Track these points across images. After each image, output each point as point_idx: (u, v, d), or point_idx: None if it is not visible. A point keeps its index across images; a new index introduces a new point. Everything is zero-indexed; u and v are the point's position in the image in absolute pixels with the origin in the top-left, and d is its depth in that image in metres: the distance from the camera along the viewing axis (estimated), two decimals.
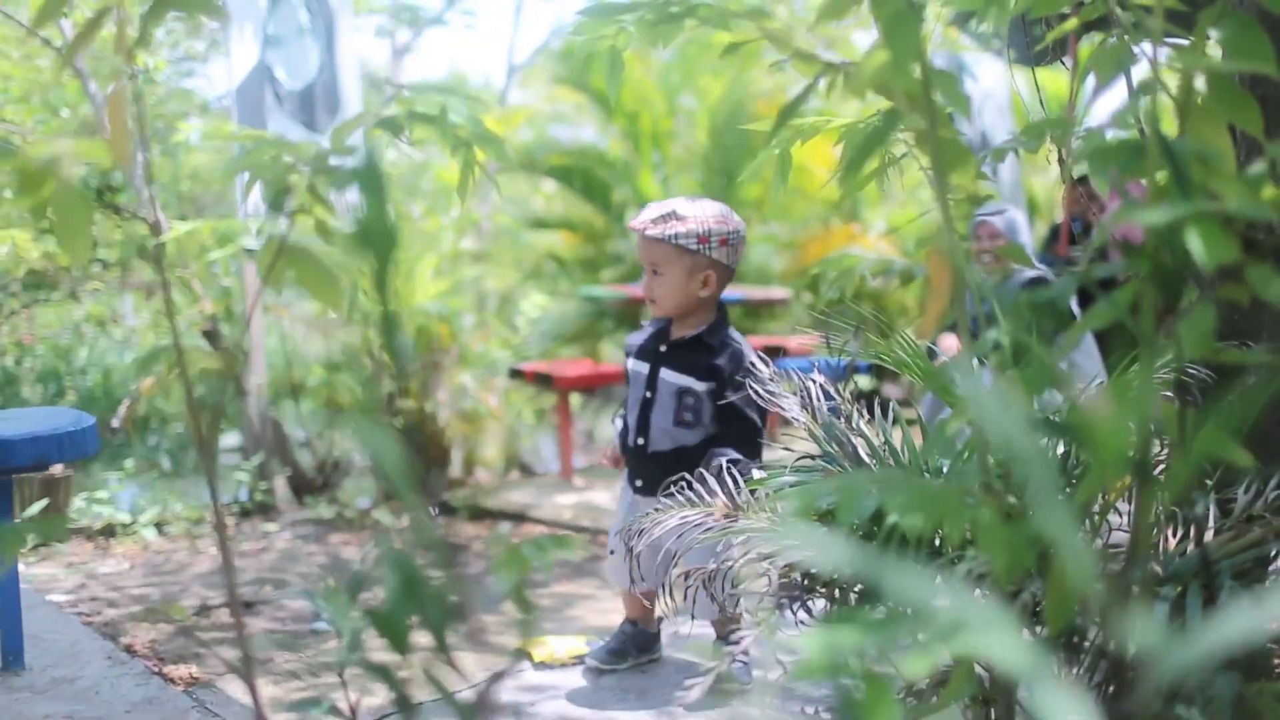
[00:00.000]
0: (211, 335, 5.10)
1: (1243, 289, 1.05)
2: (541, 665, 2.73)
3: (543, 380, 5.33)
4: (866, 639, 0.79)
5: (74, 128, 5.77)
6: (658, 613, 2.72)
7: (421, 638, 0.96)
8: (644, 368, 2.70)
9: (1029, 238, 4.59)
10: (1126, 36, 1.23)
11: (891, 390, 6.00)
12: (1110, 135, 1.63)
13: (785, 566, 1.70)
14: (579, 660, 2.75)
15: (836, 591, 1.65)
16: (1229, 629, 0.65)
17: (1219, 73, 1.19)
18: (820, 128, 1.91)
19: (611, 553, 2.75)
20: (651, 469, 2.60)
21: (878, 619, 0.82)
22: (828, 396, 2.03)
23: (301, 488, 5.22)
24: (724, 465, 2.35)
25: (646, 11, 1.69)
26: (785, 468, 1.99)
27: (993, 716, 1.39)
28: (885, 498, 1.07)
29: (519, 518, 4.62)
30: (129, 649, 2.88)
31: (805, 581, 1.68)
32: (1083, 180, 4.23)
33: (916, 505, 1.07)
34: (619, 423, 2.83)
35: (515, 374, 5.44)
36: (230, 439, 7.24)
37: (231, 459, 6.93)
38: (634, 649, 2.75)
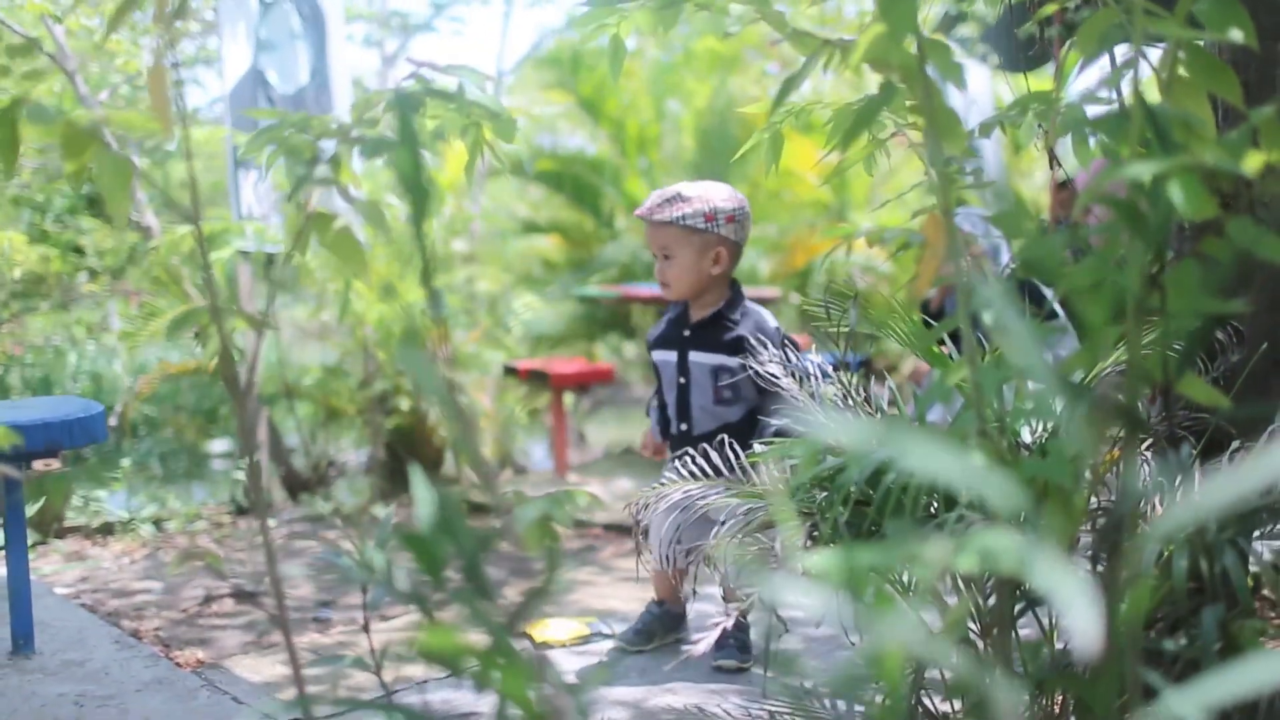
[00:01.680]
0: (202, 336, 5.15)
1: (1224, 244, 1.11)
2: (542, 646, 2.78)
3: (537, 378, 5.39)
4: (878, 556, 0.85)
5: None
6: (683, 593, 2.78)
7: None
8: (671, 355, 2.74)
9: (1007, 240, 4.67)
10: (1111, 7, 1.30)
11: (879, 390, 6.05)
12: (1090, 109, 1.70)
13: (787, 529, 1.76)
14: (582, 641, 2.80)
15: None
16: (1222, 486, 0.71)
17: (1199, 45, 1.26)
18: (812, 109, 1.97)
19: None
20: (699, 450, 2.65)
21: (887, 542, 0.88)
22: (824, 377, 2.09)
23: (296, 487, 5.26)
24: (773, 434, 2.46)
25: None
26: (783, 441, 2.06)
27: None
28: (890, 440, 1.13)
29: (498, 498, 4.66)
30: (136, 634, 2.93)
31: (809, 544, 1.74)
32: (1067, 184, 4.31)
33: (918, 446, 1.12)
34: (654, 414, 2.86)
35: (510, 372, 5.49)
36: (223, 443, 7.29)
37: (225, 463, 6.98)
38: (661, 629, 2.78)
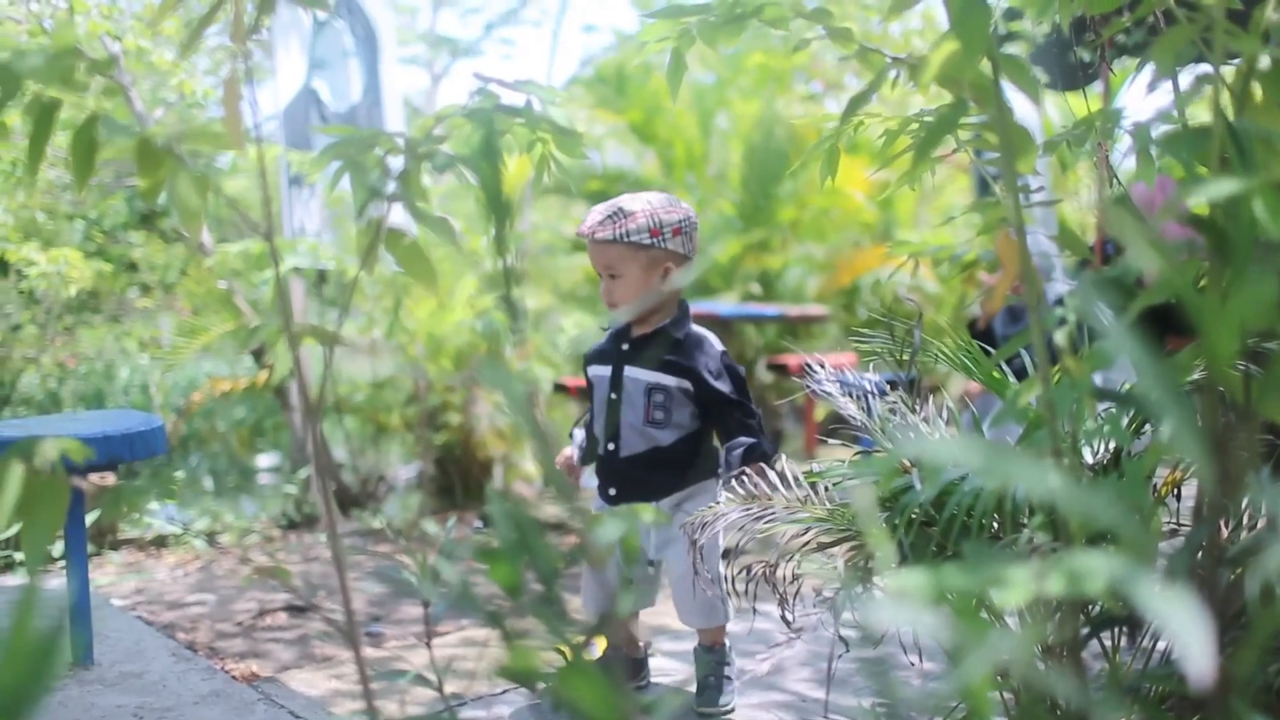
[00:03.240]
0: (259, 354, 5.20)
1: None
2: None
3: (587, 394, 5.39)
4: (965, 577, 0.84)
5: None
6: (642, 639, 2.69)
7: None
8: (605, 370, 2.60)
9: (1059, 259, 4.63)
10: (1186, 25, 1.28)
11: (928, 409, 6.01)
12: (1158, 129, 1.68)
13: (852, 550, 1.75)
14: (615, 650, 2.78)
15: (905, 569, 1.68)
16: None
17: (1277, 60, 1.25)
18: (864, 125, 1.96)
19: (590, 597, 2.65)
20: (626, 474, 2.54)
21: (973, 563, 0.87)
22: (881, 396, 2.07)
23: (346, 502, 5.28)
24: (742, 454, 2.40)
25: (711, 13, 1.76)
26: (842, 462, 2.05)
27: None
28: (966, 459, 1.11)
29: (561, 529, 4.67)
30: (192, 647, 2.95)
31: (870, 564, 1.72)
32: (1114, 202, 4.27)
33: (995, 467, 1.11)
34: (579, 434, 2.71)
35: (559, 389, 5.50)
36: (271, 458, 7.34)
37: (274, 477, 7.03)
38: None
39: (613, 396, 2.55)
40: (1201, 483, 1.19)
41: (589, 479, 2.66)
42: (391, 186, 1.31)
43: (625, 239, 2.46)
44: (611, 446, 2.55)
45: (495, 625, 1.04)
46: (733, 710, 2.48)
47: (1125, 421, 1.54)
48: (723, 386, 2.48)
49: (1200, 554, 1.19)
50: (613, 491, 2.57)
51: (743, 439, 2.45)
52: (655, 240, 2.48)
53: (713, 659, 2.52)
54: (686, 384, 2.49)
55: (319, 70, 5.47)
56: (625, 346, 2.57)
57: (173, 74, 5.29)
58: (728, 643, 2.55)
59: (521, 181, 5.76)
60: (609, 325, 2.67)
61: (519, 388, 0.89)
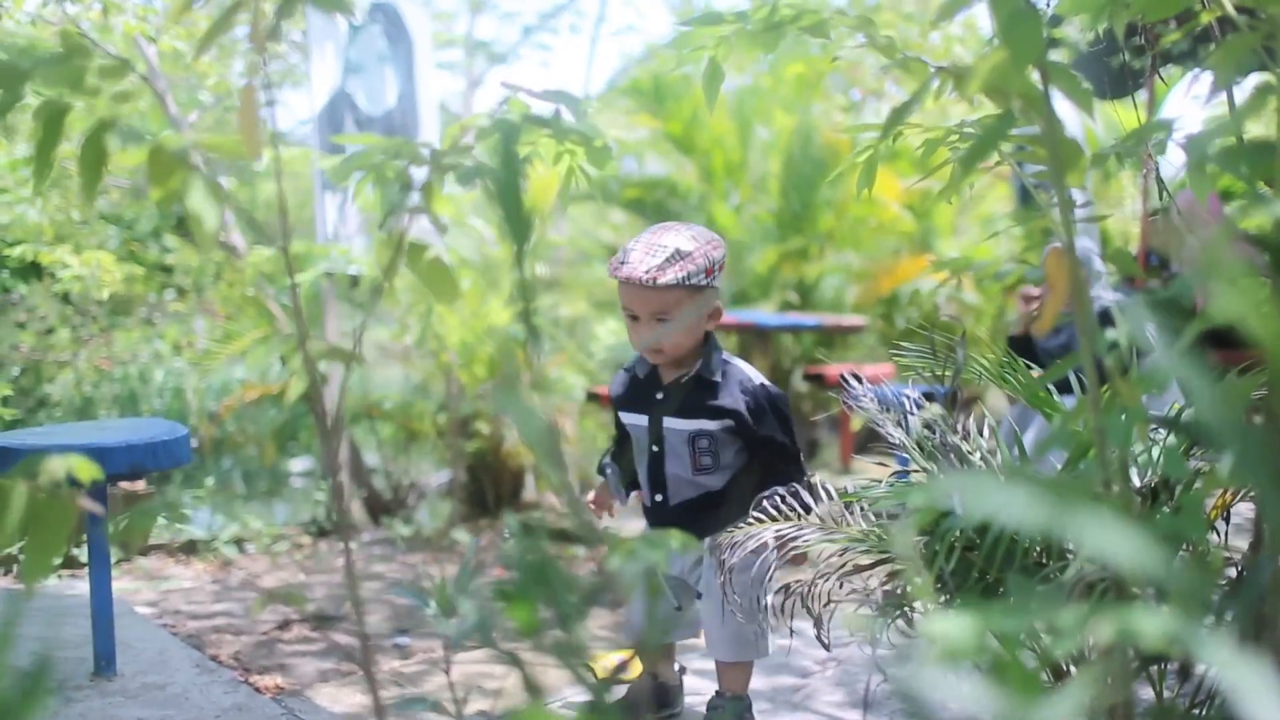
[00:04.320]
0: (286, 361, 5.18)
1: None
2: (603, 683, 2.68)
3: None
4: (1008, 622, 0.78)
5: None
6: (677, 665, 2.57)
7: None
8: (642, 420, 2.42)
9: (1102, 268, 4.54)
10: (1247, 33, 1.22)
11: (965, 421, 5.93)
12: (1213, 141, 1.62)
13: (889, 574, 1.69)
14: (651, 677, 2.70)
15: (945, 596, 1.63)
16: None
17: None
18: (904, 135, 1.90)
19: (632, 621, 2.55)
20: (677, 521, 2.34)
21: (1016, 604, 0.81)
22: (918, 411, 2.01)
23: (377, 509, 5.26)
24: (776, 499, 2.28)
25: (748, 21, 1.70)
26: (880, 482, 1.98)
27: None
28: (1011, 492, 1.05)
29: (595, 540, 4.62)
30: (215, 658, 2.92)
31: (909, 589, 1.66)
32: (1157, 213, 4.19)
33: (1041, 500, 1.05)
34: (612, 470, 2.54)
35: (592, 398, 5.45)
36: (304, 462, 7.34)
37: (305, 482, 7.02)
38: (651, 703, 2.51)
39: (654, 449, 2.40)
40: (1265, 516, 1.12)
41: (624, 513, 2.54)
42: (414, 198, 1.26)
43: (686, 282, 2.26)
44: (659, 497, 2.41)
45: (512, 665, 0.99)
46: None
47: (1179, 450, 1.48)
48: (764, 428, 2.33)
49: (1264, 595, 1.12)
50: None
51: (776, 489, 2.20)
52: (709, 280, 2.30)
53: (730, 710, 2.37)
54: (730, 423, 2.34)
55: (354, 74, 5.45)
56: (660, 396, 2.40)
57: (209, 75, 5.28)
58: (749, 698, 2.41)
59: (554, 189, 5.73)
60: (635, 363, 2.49)
61: (536, 418, 0.84)
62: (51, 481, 1.15)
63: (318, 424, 1.19)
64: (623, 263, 2.29)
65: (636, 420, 2.43)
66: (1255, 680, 0.60)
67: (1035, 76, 1.17)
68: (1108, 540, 0.74)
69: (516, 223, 0.89)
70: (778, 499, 2.07)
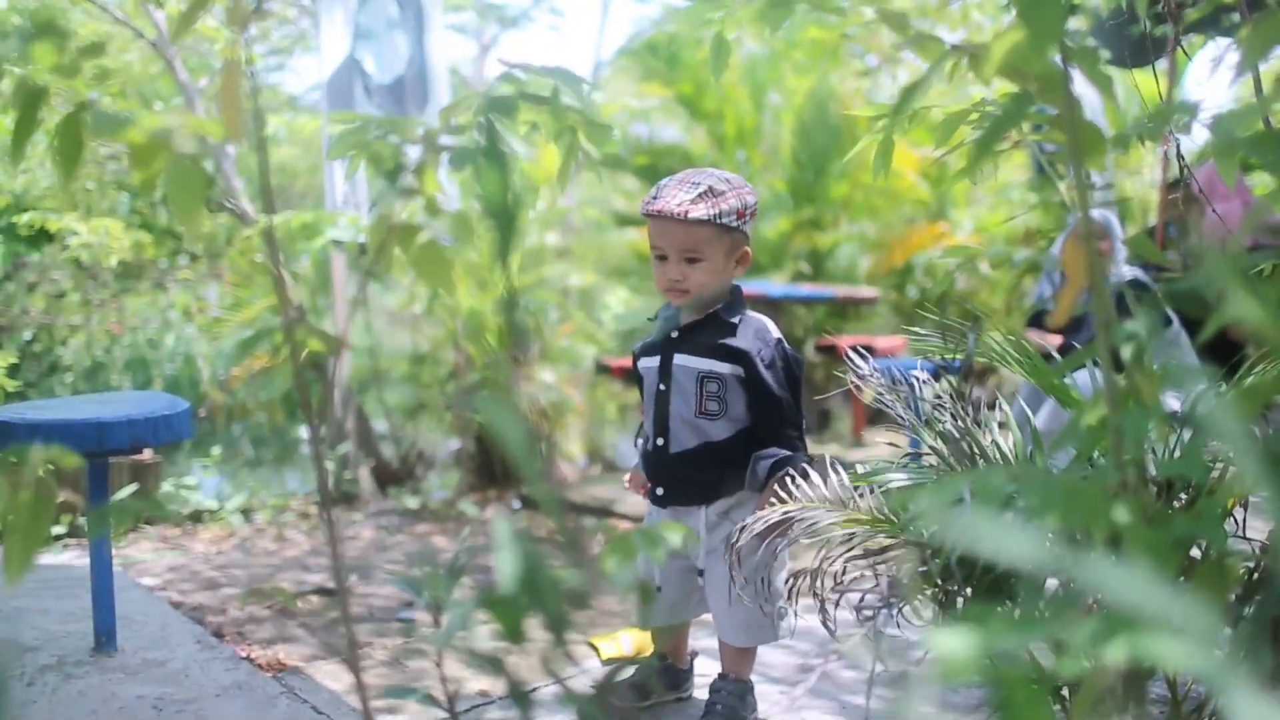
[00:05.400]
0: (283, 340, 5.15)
1: None
2: (610, 662, 2.66)
3: (630, 375, 5.31)
4: (1014, 637, 0.74)
5: None
6: (689, 648, 2.53)
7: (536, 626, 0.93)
8: (655, 361, 2.35)
9: (1121, 234, 4.48)
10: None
11: (978, 392, 5.89)
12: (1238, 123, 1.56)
13: (895, 564, 1.65)
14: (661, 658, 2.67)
15: (949, 591, 1.59)
16: None
17: None
18: (924, 111, 1.85)
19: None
20: (675, 471, 2.30)
21: (1024, 616, 0.77)
22: (927, 389, 1.97)
23: (385, 478, 5.24)
24: (770, 467, 2.20)
25: None
26: (891, 464, 1.94)
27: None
28: (1024, 493, 1.01)
29: (603, 512, 4.60)
30: (218, 634, 2.90)
31: (917, 580, 1.63)
32: (1176, 185, 4.13)
33: (1055, 502, 1.01)
34: (640, 443, 2.45)
35: (601, 368, 5.42)
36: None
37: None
38: (660, 685, 2.48)
39: (661, 387, 2.32)
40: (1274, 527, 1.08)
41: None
42: (407, 180, 1.22)
43: (718, 219, 2.21)
44: (660, 441, 2.31)
45: (493, 670, 0.96)
46: None
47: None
48: (771, 379, 2.25)
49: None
50: (660, 491, 2.33)
51: (774, 450, 2.23)
52: (740, 222, 2.24)
53: (732, 691, 2.32)
54: (740, 370, 2.26)
55: (364, 40, 5.39)
56: (674, 334, 2.33)
57: (218, 40, 5.23)
58: (751, 682, 2.36)
59: (566, 167, 5.66)
60: (659, 316, 2.42)
61: (517, 422, 0.80)
62: (31, 471, 1.12)
63: (302, 399, 1.15)
64: (654, 198, 2.25)
65: (651, 363, 2.36)
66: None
67: (1055, 57, 1.13)
68: (1116, 584, 0.70)
69: (501, 215, 0.85)
70: (787, 478, 2.03)
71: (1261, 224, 1.05)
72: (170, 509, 4.50)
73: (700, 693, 2.47)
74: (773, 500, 1.97)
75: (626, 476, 2.54)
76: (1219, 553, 1.01)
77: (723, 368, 2.26)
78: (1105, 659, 0.71)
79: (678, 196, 2.22)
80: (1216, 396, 0.79)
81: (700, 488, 2.28)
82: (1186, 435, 1.41)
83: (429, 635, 1.03)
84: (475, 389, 4.61)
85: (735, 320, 2.30)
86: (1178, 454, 1.37)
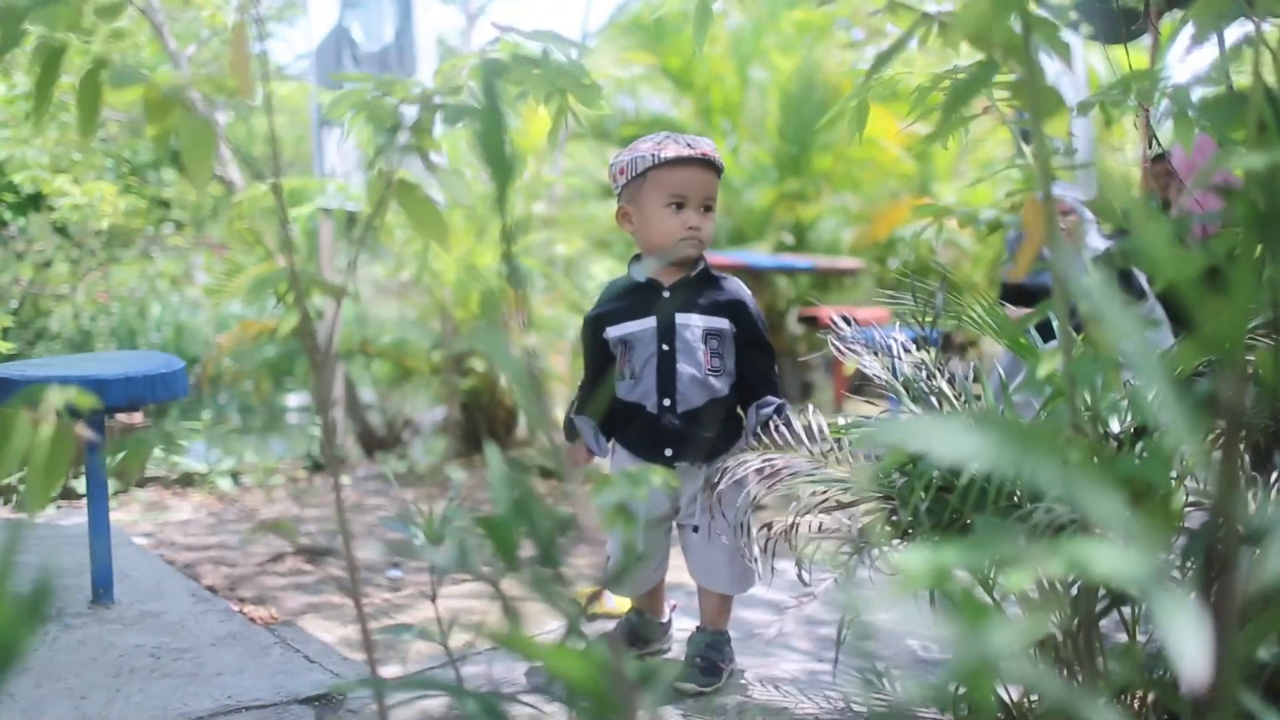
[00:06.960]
0: (281, 298, 5.19)
1: None
2: (602, 617, 2.72)
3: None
4: (967, 556, 0.81)
5: None
6: (668, 603, 2.58)
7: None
8: (647, 323, 2.32)
9: (1090, 215, 4.55)
10: None
11: (958, 365, 5.97)
12: (1198, 91, 1.63)
13: (868, 512, 1.73)
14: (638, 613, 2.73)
15: (920, 534, 1.66)
16: None
17: None
18: (900, 79, 1.91)
19: (610, 557, 2.47)
20: (685, 432, 2.30)
21: (976, 541, 0.84)
22: (907, 355, 2.04)
23: (371, 444, 5.31)
24: (771, 413, 2.26)
25: None
26: (869, 418, 2.02)
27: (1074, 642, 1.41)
28: (979, 436, 1.08)
29: (575, 480, 4.66)
30: (211, 588, 2.97)
31: (886, 528, 1.70)
32: (1159, 158, 4.19)
33: (1010, 442, 1.08)
34: (585, 423, 2.41)
35: None
36: (299, 398, 7.38)
37: (301, 417, 7.06)
38: (638, 640, 2.52)
39: (664, 348, 2.30)
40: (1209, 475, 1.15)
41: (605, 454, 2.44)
42: (404, 138, 1.28)
43: (720, 173, 2.35)
44: (668, 401, 2.30)
45: (492, 592, 1.03)
46: (710, 692, 2.28)
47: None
48: (761, 327, 2.36)
49: (1219, 534, 1.16)
50: (669, 453, 2.31)
51: (771, 399, 2.30)
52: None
53: (710, 643, 2.36)
54: (733, 325, 2.32)
55: (352, 9, 5.43)
56: (667, 293, 2.33)
57: (206, 7, 5.26)
58: (729, 633, 2.41)
59: (546, 129, 5.70)
60: (616, 283, 2.43)
61: (516, 358, 0.87)
62: (52, 411, 1.18)
63: (311, 359, 1.22)
64: (689, 145, 2.29)
65: (638, 326, 2.33)
66: (1184, 618, 0.63)
67: (1018, 25, 1.19)
68: (1067, 486, 0.77)
69: (499, 164, 0.92)
70: (772, 423, 2.10)
71: (1210, 183, 1.11)
72: (156, 473, 4.56)
73: (679, 647, 2.54)
74: (753, 444, 2.05)
75: (572, 452, 2.48)
76: (1163, 493, 1.09)
77: (722, 323, 2.32)
78: (1045, 569, 0.78)
79: (703, 144, 2.29)
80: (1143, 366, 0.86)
81: (707, 444, 2.31)
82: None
83: (431, 555, 1.10)
84: (476, 332, 4.65)
85: (720, 276, 2.38)
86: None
